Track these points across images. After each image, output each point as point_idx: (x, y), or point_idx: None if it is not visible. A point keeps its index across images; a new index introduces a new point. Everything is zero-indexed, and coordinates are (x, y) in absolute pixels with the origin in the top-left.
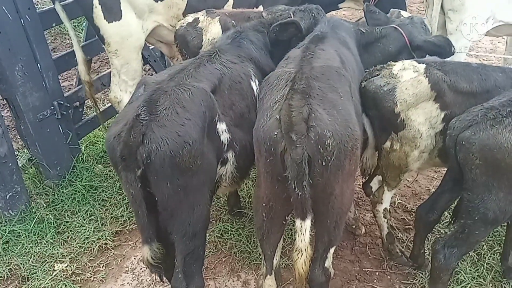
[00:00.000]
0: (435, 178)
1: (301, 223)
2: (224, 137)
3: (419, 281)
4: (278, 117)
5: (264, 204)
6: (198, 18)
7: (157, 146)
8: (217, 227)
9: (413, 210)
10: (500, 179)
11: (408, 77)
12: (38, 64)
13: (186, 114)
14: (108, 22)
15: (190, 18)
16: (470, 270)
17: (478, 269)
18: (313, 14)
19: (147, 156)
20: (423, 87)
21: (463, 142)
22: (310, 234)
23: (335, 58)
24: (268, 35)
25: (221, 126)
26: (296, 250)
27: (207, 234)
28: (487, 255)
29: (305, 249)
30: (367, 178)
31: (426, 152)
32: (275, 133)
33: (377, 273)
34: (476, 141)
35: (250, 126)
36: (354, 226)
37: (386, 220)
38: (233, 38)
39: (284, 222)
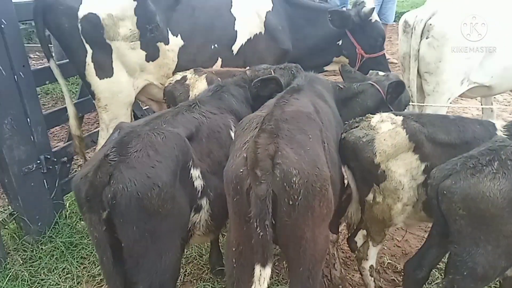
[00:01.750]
0: (425, 237)
1: (260, 271)
2: (198, 183)
3: None
4: (245, 155)
5: (233, 249)
6: (186, 75)
7: (124, 187)
8: (197, 287)
9: (403, 271)
10: (486, 230)
11: (386, 128)
12: (28, 119)
13: (157, 156)
14: (100, 79)
15: (178, 76)
16: None
17: None
18: (293, 72)
19: (112, 196)
20: (401, 138)
21: (445, 192)
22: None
23: (309, 106)
24: (249, 90)
25: (195, 172)
26: None
27: None
28: None
29: None
30: (352, 233)
31: (410, 205)
32: (241, 170)
33: None
34: (458, 190)
35: None
36: (340, 287)
37: (372, 278)
38: (214, 91)
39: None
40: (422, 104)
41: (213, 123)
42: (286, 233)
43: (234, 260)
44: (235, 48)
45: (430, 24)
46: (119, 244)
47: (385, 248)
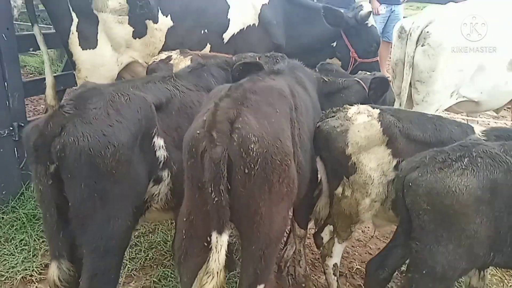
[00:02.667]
0: None
1: (216, 238)
2: (161, 153)
3: None
4: (204, 118)
5: (184, 219)
6: (171, 55)
7: (75, 140)
8: (156, 272)
9: None
10: (449, 228)
11: (361, 120)
12: (6, 83)
13: (117, 116)
14: (83, 49)
15: (163, 55)
16: None
17: None
18: (278, 60)
19: (61, 148)
20: (375, 130)
21: (410, 184)
22: (226, 255)
23: (284, 86)
24: (231, 74)
25: (159, 141)
26: (207, 273)
27: (144, 278)
28: None
29: (218, 272)
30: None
31: (378, 201)
32: (198, 132)
33: None
34: (423, 183)
35: None
36: (304, 285)
37: (335, 278)
38: (193, 68)
39: (206, 245)
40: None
41: (187, 98)
42: (240, 205)
43: (184, 232)
44: (226, 36)
45: (427, 32)
46: (67, 203)
47: (356, 254)
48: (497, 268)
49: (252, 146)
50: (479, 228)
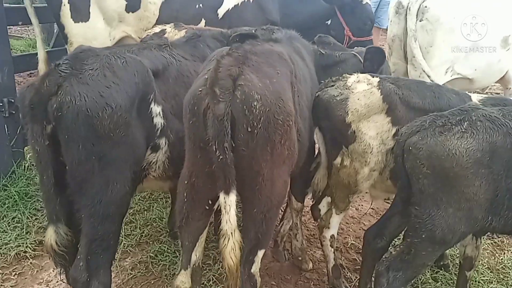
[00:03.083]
0: None
1: (224, 198)
2: (158, 121)
3: None
4: (207, 77)
5: (186, 182)
6: (165, 29)
7: (72, 99)
8: (152, 248)
9: None
10: (449, 192)
11: (361, 88)
12: None
13: (114, 78)
14: (74, 22)
15: (157, 28)
16: None
17: None
18: (274, 32)
19: (58, 107)
20: (375, 98)
21: (410, 148)
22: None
23: (282, 52)
24: (227, 45)
25: (156, 108)
26: (222, 235)
27: (140, 254)
28: None
29: (232, 233)
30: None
31: (377, 170)
32: (200, 89)
33: None
34: (423, 146)
35: None
36: (300, 258)
37: (332, 250)
38: (189, 38)
39: (207, 208)
40: None
41: (183, 67)
42: (243, 166)
43: (185, 195)
44: (221, 12)
45: (425, 6)
46: (63, 167)
47: (350, 230)
48: (494, 233)
49: (255, 103)
50: (478, 191)
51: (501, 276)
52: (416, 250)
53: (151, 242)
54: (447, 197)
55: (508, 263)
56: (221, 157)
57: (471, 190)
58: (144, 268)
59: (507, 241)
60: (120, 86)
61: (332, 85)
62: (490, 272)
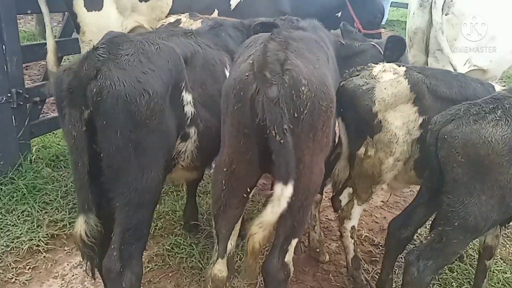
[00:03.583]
0: None
1: (282, 190)
2: (188, 109)
3: None
4: (251, 61)
5: (225, 169)
6: (181, 19)
7: (112, 84)
8: (168, 241)
9: (380, 244)
10: (482, 180)
11: (387, 78)
12: (4, 46)
13: (150, 64)
14: (88, 11)
15: (172, 18)
16: None
17: None
18: (293, 23)
19: (98, 92)
20: (402, 87)
21: (445, 136)
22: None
23: (318, 39)
24: (246, 35)
25: (187, 96)
26: (259, 223)
27: (156, 247)
28: None
29: (268, 226)
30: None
31: (401, 160)
32: (247, 74)
33: None
34: (459, 135)
35: (219, 111)
36: (318, 250)
37: (352, 241)
38: (212, 27)
39: (246, 196)
40: None
41: (209, 55)
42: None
43: (224, 182)
44: (233, 2)
45: (451, 1)
46: (95, 155)
47: (363, 222)
48: None
49: (302, 88)
50: (511, 178)
51: None
52: (447, 239)
53: (165, 235)
54: (480, 184)
55: None
56: (282, 140)
57: (505, 177)
58: (161, 261)
59: None
60: (155, 72)
61: (357, 75)
62: (503, 262)
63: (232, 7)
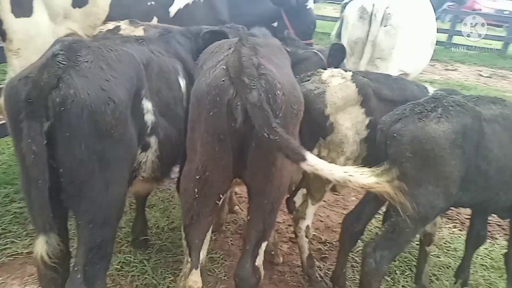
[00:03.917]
0: (345, 214)
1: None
2: (149, 118)
3: None
4: (225, 67)
5: (197, 177)
6: (120, 26)
7: (76, 93)
8: (116, 259)
9: (327, 241)
10: (429, 172)
11: (336, 82)
12: None
13: (111, 71)
14: (15, 17)
15: (111, 25)
16: None
17: None
18: (239, 31)
19: (61, 102)
20: (351, 91)
21: (395, 135)
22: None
23: (280, 45)
24: (194, 43)
25: (147, 104)
26: None
27: None
28: (400, 279)
29: None
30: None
31: (351, 159)
32: (222, 79)
33: None
34: (406, 132)
35: (176, 120)
36: (272, 253)
37: (307, 240)
38: (161, 34)
39: (217, 203)
40: None
41: (163, 63)
42: (260, 155)
43: (196, 190)
44: (172, 10)
45: (389, 13)
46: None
47: None
48: (462, 207)
49: (278, 92)
50: (453, 169)
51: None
52: (400, 228)
53: (113, 254)
54: (427, 176)
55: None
56: (277, 138)
57: (448, 169)
58: (111, 282)
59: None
60: (118, 79)
61: (308, 80)
62: (436, 247)
63: (172, 14)
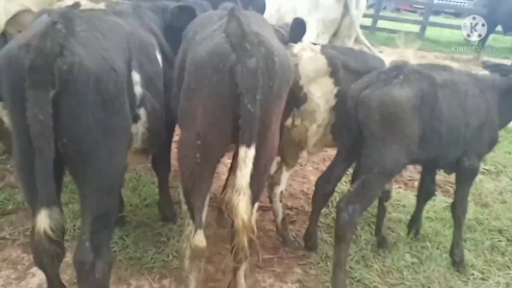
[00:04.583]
0: (305, 182)
1: (246, 152)
2: (137, 89)
3: (313, 259)
4: (224, 34)
5: (199, 142)
6: (80, 1)
7: (81, 61)
8: None
9: (293, 207)
10: (393, 132)
11: (307, 55)
12: None
13: (107, 41)
14: None
15: (70, 1)
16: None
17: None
18: (204, 7)
19: (68, 69)
20: (321, 63)
21: (364, 100)
22: None
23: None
24: (162, 19)
25: (136, 76)
26: (236, 190)
27: None
28: (361, 233)
29: (246, 187)
30: None
31: (322, 126)
32: (224, 46)
33: (275, 259)
34: (374, 97)
35: (158, 94)
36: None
37: (281, 204)
38: (134, 8)
39: (216, 166)
40: None
41: (142, 37)
42: (261, 119)
43: (198, 156)
44: None
45: None
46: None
47: None
48: (418, 164)
49: (276, 59)
50: (414, 129)
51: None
52: (370, 184)
53: None
54: (392, 136)
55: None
56: (251, 110)
57: (409, 129)
58: None
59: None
60: (115, 49)
61: None
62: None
63: None
